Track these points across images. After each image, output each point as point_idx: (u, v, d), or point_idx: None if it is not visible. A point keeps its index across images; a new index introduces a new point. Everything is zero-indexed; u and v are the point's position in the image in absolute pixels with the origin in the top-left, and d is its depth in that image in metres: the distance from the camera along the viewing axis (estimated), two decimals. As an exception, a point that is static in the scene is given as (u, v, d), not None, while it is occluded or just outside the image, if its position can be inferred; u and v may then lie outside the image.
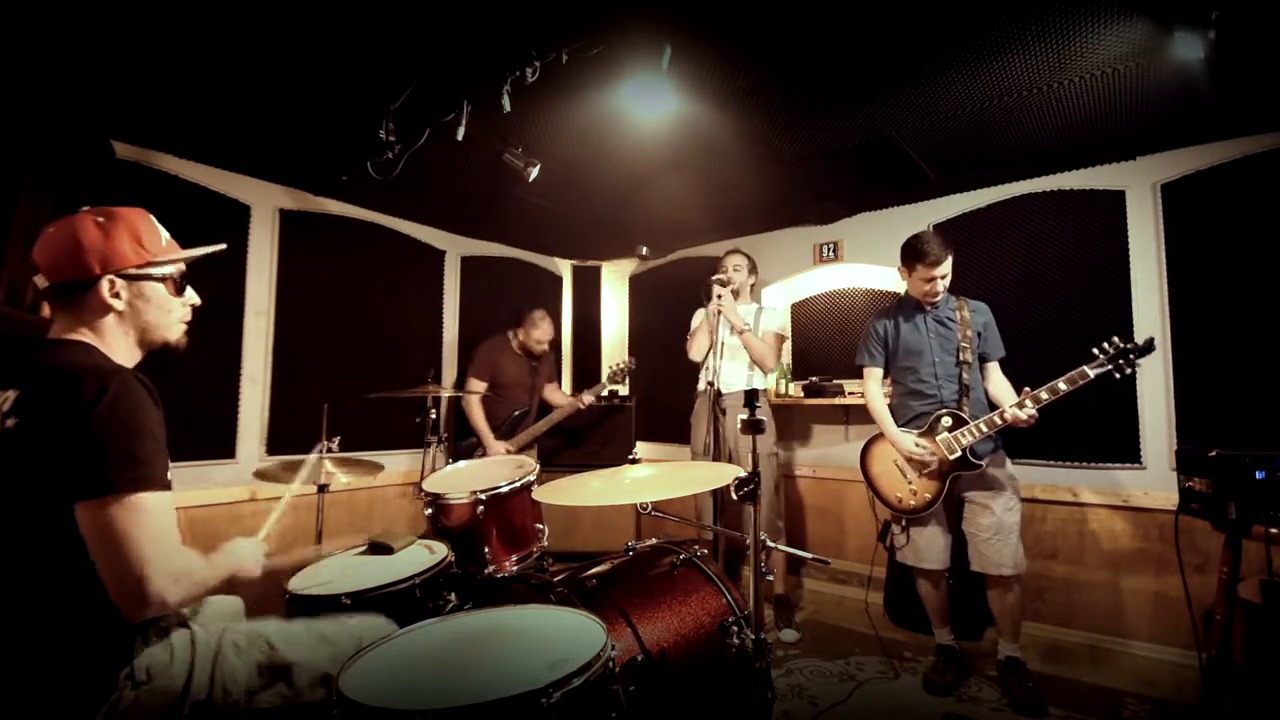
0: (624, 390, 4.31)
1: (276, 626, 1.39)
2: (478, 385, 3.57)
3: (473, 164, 2.91)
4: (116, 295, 1.24)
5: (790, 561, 3.80)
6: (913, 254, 2.55)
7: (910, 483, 2.55)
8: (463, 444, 3.59)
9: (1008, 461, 2.56)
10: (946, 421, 2.47)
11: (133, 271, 1.25)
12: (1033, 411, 2.34)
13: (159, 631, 1.21)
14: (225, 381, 3.03)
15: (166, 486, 1.14)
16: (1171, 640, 2.67)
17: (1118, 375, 2.25)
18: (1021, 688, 2.38)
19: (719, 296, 2.95)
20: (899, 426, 2.60)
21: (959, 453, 2.43)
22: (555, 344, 3.91)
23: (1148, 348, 2.23)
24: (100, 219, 1.23)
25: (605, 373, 3.79)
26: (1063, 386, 2.29)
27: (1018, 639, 2.51)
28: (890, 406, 2.67)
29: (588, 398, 3.67)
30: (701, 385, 3.36)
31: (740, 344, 3.21)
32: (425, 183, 3.08)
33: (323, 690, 1.30)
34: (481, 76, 2.15)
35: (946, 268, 2.52)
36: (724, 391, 3.16)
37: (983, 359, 2.60)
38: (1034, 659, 2.77)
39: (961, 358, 2.52)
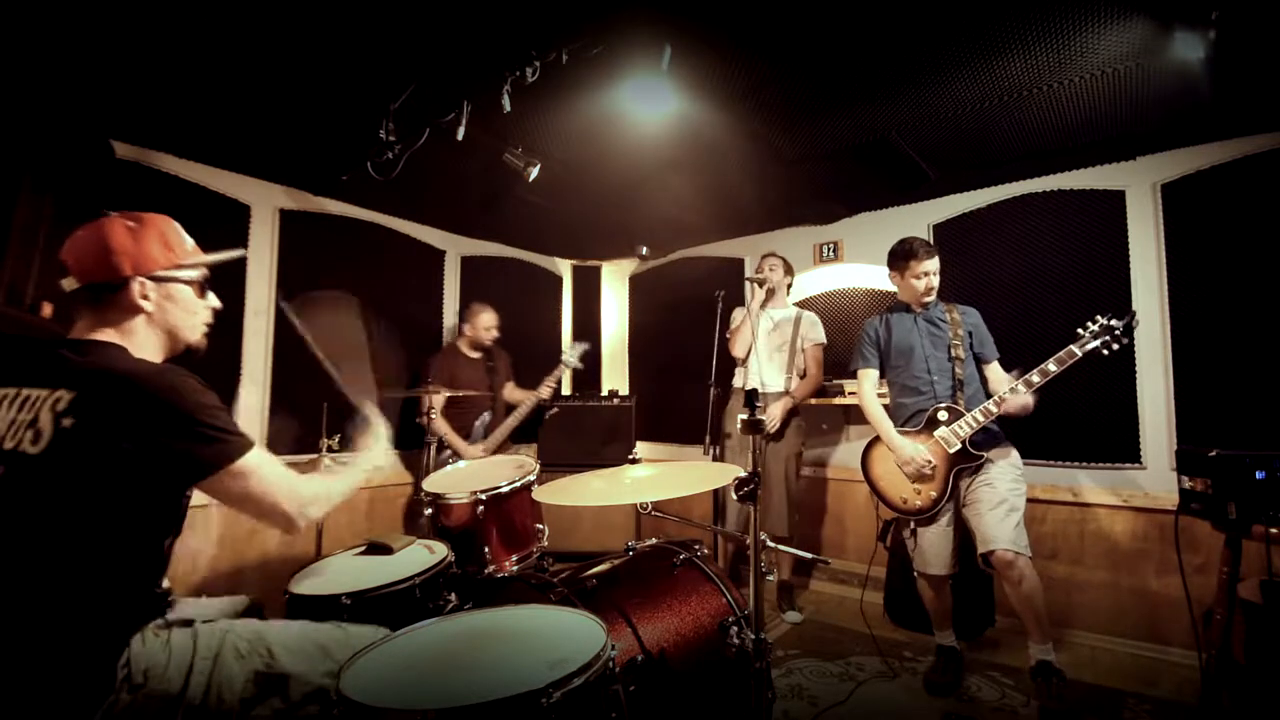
0: (568, 378, 4.34)
1: (278, 633, 1.37)
2: (437, 399, 3.46)
3: (473, 164, 2.90)
4: (146, 297, 1.27)
5: (792, 558, 3.80)
6: (902, 254, 2.58)
7: (914, 482, 2.54)
8: (440, 456, 3.48)
9: (1013, 452, 2.51)
10: (943, 416, 2.46)
11: (162, 274, 1.30)
12: (1027, 396, 2.32)
13: (159, 629, 1.20)
14: (225, 381, 3.02)
15: (254, 443, 1.25)
16: (1171, 640, 2.67)
17: (1105, 351, 2.25)
18: (1051, 696, 2.21)
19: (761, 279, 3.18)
20: (897, 428, 2.59)
21: (958, 445, 2.41)
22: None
23: (1129, 323, 2.24)
24: (130, 223, 1.28)
25: (565, 356, 3.70)
26: (1052, 367, 2.29)
27: (1047, 639, 2.32)
28: (887, 409, 2.67)
29: (545, 390, 3.64)
30: (739, 381, 3.43)
31: (779, 345, 3.33)
32: (425, 183, 3.07)
33: (317, 707, 1.29)
34: (481, 76, 2.15)
35: (936, 264, 2.55)
36: (765, 391, 3.27)
37: (980, 359, 2.59)
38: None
39: (954, 353, 2.52)
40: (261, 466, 1.24)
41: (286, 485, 1.27)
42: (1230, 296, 2.63)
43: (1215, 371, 2.64)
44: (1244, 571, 1.78)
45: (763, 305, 3.37)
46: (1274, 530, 1.68)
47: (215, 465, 1.18)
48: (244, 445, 1.22)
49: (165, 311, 1.31)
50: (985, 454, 2.43)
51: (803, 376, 3.39)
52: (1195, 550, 2.54)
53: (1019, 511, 2.39)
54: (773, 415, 3.19)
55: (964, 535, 2.54)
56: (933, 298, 2.60)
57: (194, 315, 1.38)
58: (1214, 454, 1.76)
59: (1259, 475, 1.68)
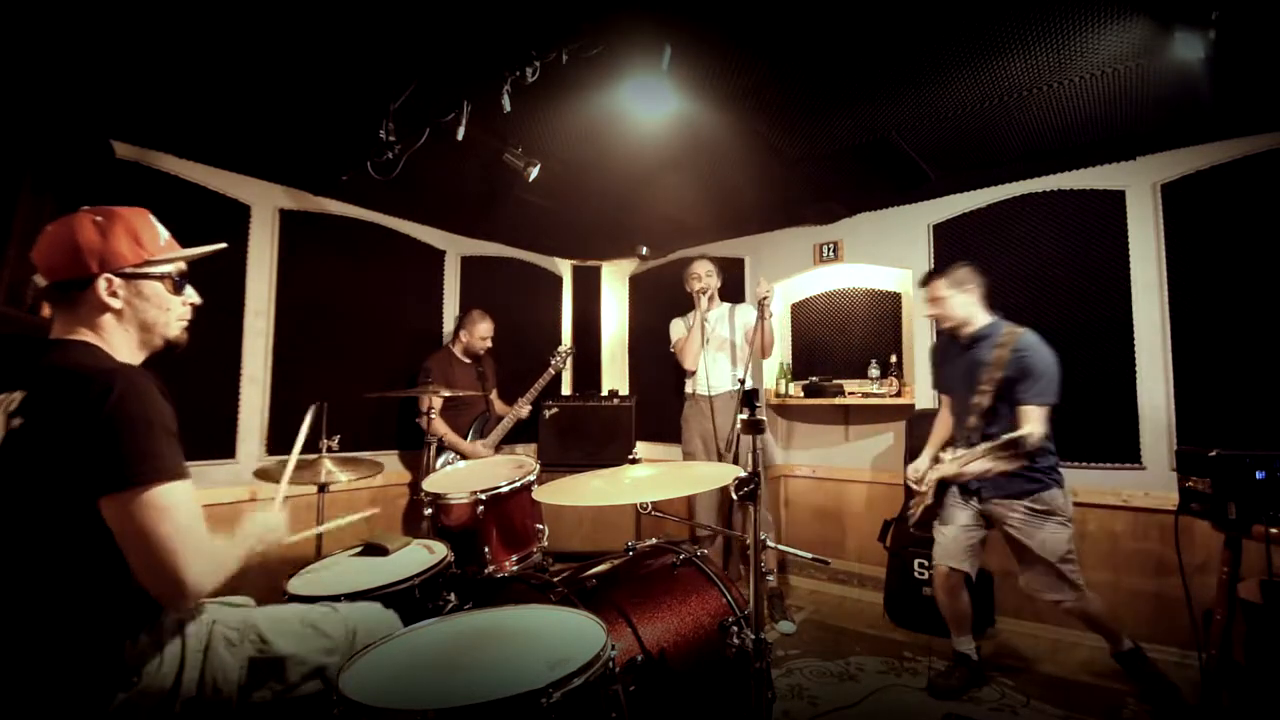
0: (567, 376, 4.40)
1: (267, 616, 1.37)
2: (436, 399, 3.47)
3: (473, 164, 2.91)
4: (114, 294, 1.23)
5: (782, 560, 3.80)
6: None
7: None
8: (440, 458, 3.50)
9: (1037, 498, 2.34)
10: (946, 455, 2.41)
11: (130, 270, 1.25)
12: (959, 467, 2.27)
13: (147, 629, 1.19)
14: (225, 381, 3.03)
15: (184, 475, 1.14)
16: (1171, 640, 2.67)
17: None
18: (1145, 673, 2.37)
19: (766, 295, 3.01)
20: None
21: (928, 486, 2.46)
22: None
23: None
24: (98, 218, 1.23)
25: (551, 365, 3.69)
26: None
27: (1121, 639, 2.40)
28: None
29: (524, 410, 3.66)
30: (690, 389, 3.48)
31: (720, 344, 3.37)
32: (425, 183, 3.08)
33: (316, 682, 1.30)
34: (481, 76, 2.15)
35: (935, 290, 2.49)
36: (713, 394, 3.31)
37: (1013, 402, 2.32)
38: (1035, 659, 2.77)
39: (976, 400, 2.38)
40: (178, 507, 1.10)
41: (195, 539, 1.10)
42: (1230, 296, 2.63)
43: (1215, 372, 2.64)
44: (1244, 571, 1.78)
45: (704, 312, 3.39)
46: (1274, 530, 1.68)
47: (125, 480, 1.06)
48: (165, 470, 1.09)
49: (135, 309, 1.26)
50: (939, 498, 2.46)
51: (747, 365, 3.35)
52: (1195, 550, 2.54)
53: (1060, 558, 2.31)
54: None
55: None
56: (953, 325, 2.51)
57: (167, 311, 1.31)
58: (1214, 454, 1.76)
59: (1259, 475, 1.68)
